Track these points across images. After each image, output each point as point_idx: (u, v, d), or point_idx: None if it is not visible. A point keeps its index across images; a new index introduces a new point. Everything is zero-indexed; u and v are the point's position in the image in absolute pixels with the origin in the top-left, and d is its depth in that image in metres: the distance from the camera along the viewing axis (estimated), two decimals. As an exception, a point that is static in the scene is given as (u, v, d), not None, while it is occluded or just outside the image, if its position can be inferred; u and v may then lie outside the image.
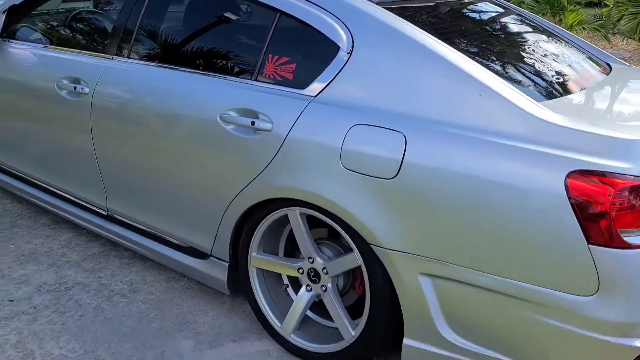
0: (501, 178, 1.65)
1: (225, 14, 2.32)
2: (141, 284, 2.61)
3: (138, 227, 2.63)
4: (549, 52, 2.28)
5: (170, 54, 2.42)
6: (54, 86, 2.67)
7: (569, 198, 1.56)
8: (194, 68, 2.30)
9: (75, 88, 2.57)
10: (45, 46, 2.93)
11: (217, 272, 2.37)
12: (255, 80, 2.12)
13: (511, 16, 2.60)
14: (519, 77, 1.93)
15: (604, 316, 1.58)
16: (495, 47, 2.19)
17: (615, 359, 1.62)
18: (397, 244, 1.81)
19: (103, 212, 2.74)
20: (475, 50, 2.07)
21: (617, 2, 7.74)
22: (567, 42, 2.54)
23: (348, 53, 1.94)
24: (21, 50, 2.98)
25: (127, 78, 2.45)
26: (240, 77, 2.17)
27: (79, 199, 2.83)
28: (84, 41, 2.85)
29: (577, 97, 1.93)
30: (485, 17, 2.47)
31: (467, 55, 1.88)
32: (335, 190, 1.89)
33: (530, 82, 1.93)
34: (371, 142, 1.83)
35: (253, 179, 2.07)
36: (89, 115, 2.54)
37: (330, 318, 2.18)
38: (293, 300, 2.28)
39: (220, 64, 2.26)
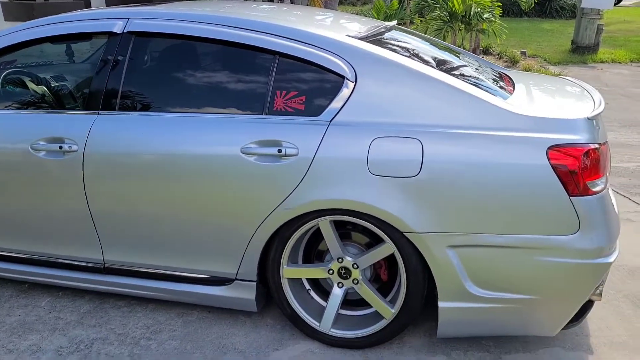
0: (498, 160, 2.20)
1: (226, 58, 2.57)
2: (158, 325, 2.69)
3: (142, 271, 2.70)
4: (474, 66, 2.93)
5: (168, 101, 2.57)
6: (27, 149, 2.62)
7: (552, 166, 2.17)
8: (199, 111, 2.50)
9: (60, 147, 2.57)
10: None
11: (244, 292, 2.59)
12: (268, 114, 2.42)
13: (423, 39, 3.21)
14: (483, 85, 2.52)
15: (586, 246, 2.21)
16: (453, 65, 2.77)
17: (596, 274, 2.26)
18: (426, 227, 2.27)
19: (97, 266, 2.74)
20: (446, 68, 2.62)
21: (424, 19, 9.12)
22: (472, 57, 3.23)
23: (353, 82, 2.36)
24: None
25: (124, 129, 2.53)
26: (252, 114, 2.44)
27: (64, 259, 2.78)
28: (53, 101, 2.81)
29: (518, 96, 2.57)
30: (414, 40, 3.04)
31: (444, 72, 2.42)
32: (367, 194, 2.28)
33: (491, 89, 2.52)
34: (394, 150, 2.26)
35: (284, 199, 2.36)
36: (81, 172, 2.57)
37: (357, 308, 2.57)
38: (316, 301, 2.62)
39: (228, 103, 2.49)
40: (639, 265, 3.26)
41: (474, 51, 10.97)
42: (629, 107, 7.56)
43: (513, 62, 9.92)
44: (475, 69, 2.85)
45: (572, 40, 11.16)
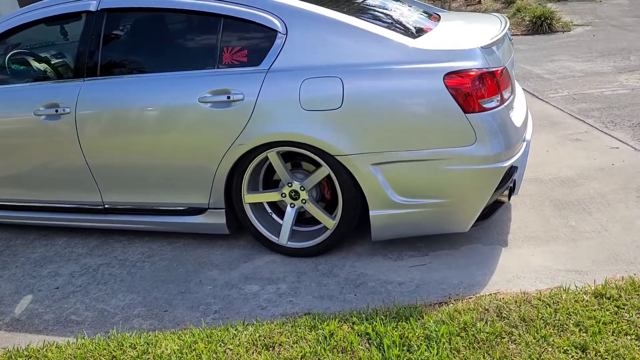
0: (404, 88, 2.66)
1: (183, 24, 3.07)
2: (152, 251, 3.28)
3: (136, 209, 3.27)
4: (397, 10, 3.34)
5: (138, 65, 3.09)
6: (31, 115, 3.19)
7: (448, 89, 2.61)
8: (164, 71, 3.01)
9: (56, 111, 3.13)
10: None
11: (217, 218, 3.13)
12: (218, 68, 2.91)
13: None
14: (397, 28, 2.94)
15: (483, 154, 2.66)
16: (370, 11, 3.19)
17: (494, 177, 2.71)
18: (352, 149, 2.75)
19: (100, 208, 3.33)
20: (361, 14, 3.05)
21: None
22: (407, 1, 3.63)
23: (284, 34, 2.82)
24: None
25: (105, 91, 3.07)
26: (206, 69, 2.94)
27: (73, 204, 3.38)
28: (49, 73, 3.37)
29: (433, 34, 2.99)
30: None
31: (361, 19, 2.85)
32: (302, 127, 2.77)
33: (403, 30, 2.95)
34: (319, 88, 2.73)
35: (237, 137, 2.87)
36: (75, 130, 3.12)
37: (308, 225, 3.10)
38: (278, 223, 3.15)
39: (186, 63, 2.99)
40: (570, 177, 3.67)
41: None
42: (616, 37, 7.73)
43: (508, 2, 10.04)
44: (400, 13, 3.27)
45: (571, -25, 11.14)
